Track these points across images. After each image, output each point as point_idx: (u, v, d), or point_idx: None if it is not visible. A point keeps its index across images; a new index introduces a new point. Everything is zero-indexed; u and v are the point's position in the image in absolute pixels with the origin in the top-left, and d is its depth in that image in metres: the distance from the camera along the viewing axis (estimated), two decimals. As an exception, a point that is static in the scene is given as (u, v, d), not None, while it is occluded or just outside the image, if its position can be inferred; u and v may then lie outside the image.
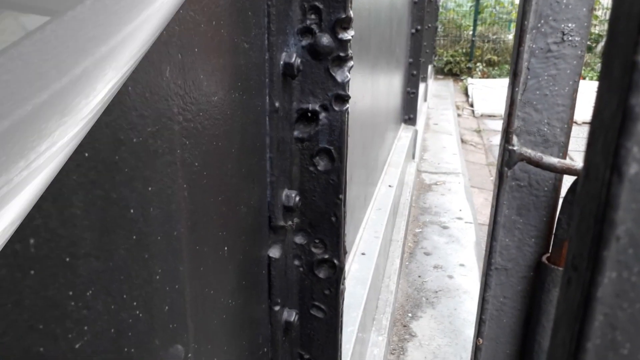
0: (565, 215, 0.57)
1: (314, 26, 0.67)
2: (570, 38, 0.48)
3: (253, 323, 0.72)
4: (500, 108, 7.24)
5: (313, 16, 0.67)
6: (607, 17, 11.45)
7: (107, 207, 0.36)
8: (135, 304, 0.40)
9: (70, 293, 0.33)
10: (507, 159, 0.52)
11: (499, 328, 0.82)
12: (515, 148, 0.50)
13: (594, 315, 0.21)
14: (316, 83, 0.70)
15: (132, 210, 0.39)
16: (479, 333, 0.90)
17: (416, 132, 4.02)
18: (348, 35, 0.67)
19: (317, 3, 0.66)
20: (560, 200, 0.62)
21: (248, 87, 0.60)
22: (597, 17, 11.06)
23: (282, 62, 0.67)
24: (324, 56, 0.68)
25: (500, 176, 0.56)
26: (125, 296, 0.39)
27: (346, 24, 0.67)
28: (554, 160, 0.51)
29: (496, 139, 6.02)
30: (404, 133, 3.70)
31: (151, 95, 0.40)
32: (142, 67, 0.39)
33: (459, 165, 4.67)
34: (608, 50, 0.18)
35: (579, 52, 0.49)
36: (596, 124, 0.19)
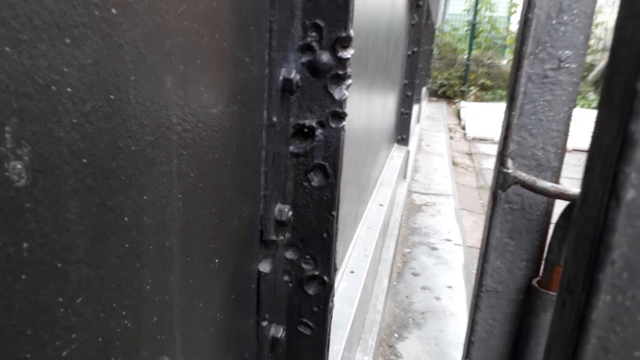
0: (556, 239, 0.58)
1: (314, 43, 0.68)
2: (566, 65, 0.49)
3: (240, 338, 0.71)
4: (492, 132, 7.32)
5: (314, 34, 0.67)
6: (600, 46, 11.67)
7: (102, 214, 0.36)
8: (124, 313, 0.40)
9: (60, 299, 0.33)
10: (502, 181, 0.53)
11: (488, 350, 0.82)
12: (509, 171, 0.51)
13: (588, 338, 0.21)
14: (314, 99, 0.70)
15: (126, 218, 0.39)
16: (467, 354, 0.90)
17: (408, 152, 4.04)
18: (348, 54, 0.68)
19: (318, 21, 0.67)
20: (552, 225, 0.62)
21: (247, 101, 0.61)
22: (590, 46, 11.27)
23: (281, 78, 0.67)
24: (323, 73, 0.69)
25: (494, 198, 0.56)
26: (114, 305, 0.38)
27: (346, 42, 0.68)
28: (547, 184, 0.51)
29: (487, 163, 6.08)
30: (397, 153, 3.72)
31: (152, 104, 0.41)
32: (144, 76, 0.39)
33: (450, 187, 4.69)
34: (609, 77, 0.19)
35: (575, 79, 0.50)
36: (595, 149, 0.19)
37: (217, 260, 0.58)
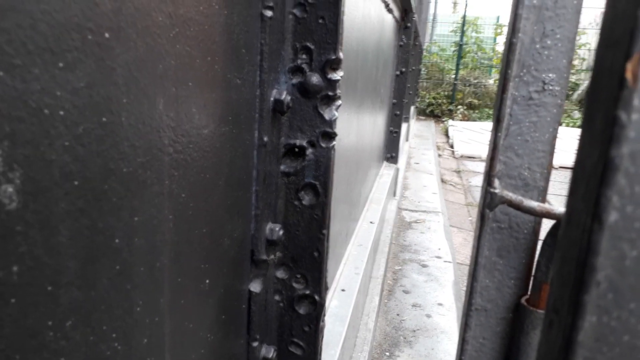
0: (544, 258, 0.59)
1: (304, 65, 0.69)
2: (550, 87, 0.50)
3: (231, 359, 0.71)
4: (480, 150, 7.40)
5: (304, 56, 0.68)
6: (584, 66, 11.91)
7: (93, 236, 0.36)
8: (114, 335, 0.39)
9: (50, 323, 0.32)
10: (489, 201, 0.53)
11: (479, 370, 0.82)
12: (496, 191, 0.51)
13: (575, 359, 0.22)
14: (304, 120, 0.71)
15: (117, 240, 0.39)
16: (458, 375, 0.89)
17: (398, 170, 4.06)
18: (337, 75, 0.69)
19: (308, 44, 0.68)
20: (540, 243, 0.63)
21: (238, 122, 0.61)
22: (574, 66, 11.50)
23: (272, 99, 0.68)
24: (313, 95, 0.69)
25: (482, 218, 0.57)
26: (104, 327, 0.38)
27: (336, 64, 0.69)
28: (534, 204, 0.52)
29: (475, 180, 6.12)
30: (386, 171, 3.74)
31: (144, 126, 0.41)
32: (137, 98, 0.40)
33: (439, 204, 4.71)
34: (590, 104, 0.19)
35: (559, 101, 0.51)
36: (578, 173, 0.20)
37: (207, 281, 0.58)
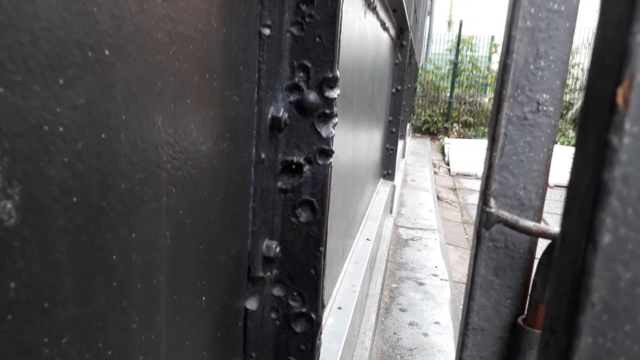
0: (540, 277, 0.59)
1: (302, 83, 0.69)
2: (544, 108, 0.51)
3: (225, 377, 0.70)
4: (475, 167, 7.43)
5: (301, 74, 0.69)
6: (577, 86, 12.05)
7: (90, 252, 0.36)
8: (110, 353, 0.39)
9: (46, 340, 0.32)
10: (485, 220, 0.54)
11: (475, 390, 0.81)
12: (492, 210, 0.52)
13: (571, 379, 0.22)
14: (302, 137, 0.71)
15: (114, 257, 0.39)
16: (454, 394, 0.88)
17: (394, 187, 4.07)
18: (334, 93, 0.70)
19: (305, 62, 0.69)
20: (536, 262, 0.63)
21: (236, 138, 0.62)
22: (568, 85, 11.63)
23: (270, 116, 0.69)
24: (310, 112, 0.70)
25: (478, 237, 0.57)
26: (100, 345, 0.38)
27: (333, 83, 0.69)
28: (529, 223, 0.53)
29: (471, 198, 6.14)
30: (383, 187, 3.74)
31: (142, 142, 0.41)
32: (136, 115, 0.40)
33: (435, 221, 4.71)
34: (582, 128, 0.20)
35: (553, 122, 0.52)
36: (571, 195, 0.20)
37: (204, 298, 0.58)
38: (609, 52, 0.20)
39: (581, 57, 12.31)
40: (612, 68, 0.19)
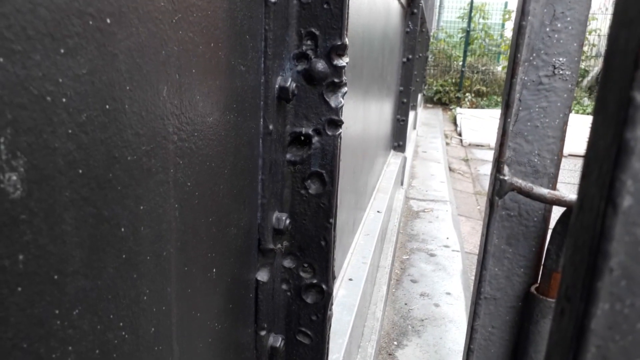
0: (554, 246, 0.58)
1: (309, 52, 0.68)
2: (561, 72, 0.49)
3: (238, 348, 0.71)
4: (488, 138, 7.34)
5: (309, 42, 0.68)
6: (594, 52, 11.76)
7: (98, 224, 0.36)
8: (121, 324, 0.40)
9: (57, 311, 0.32)
10: (498, 188, 0.53)
11: (487, 358, 0.82)
12: (506, 178, 0.51)
13: (587, 347, 0.21)
14: (310, 107, 0.70)
15: (122, 229, 0.39)
16: (466, 363, 0.89)
17: (405, 159, 4.05)
18: (343, 62, 0.68)
19: (313, 29, 0.67)
20: (550, 231, 0.62)
21: (243, 109, 0.61)
22: (584, 52, 11.35)
23: (277, 86, 0.67)
24: (318, 81, 0.69)
25: (491, 205, 0.56)
26: (111, 316, 0.38)
27: (341, 50, 0.68)
28: (544, 191, 0.51)
29: (483, 168, 6.09)
30: (393, 159, 3.72)
31: (147, 114, 0.41)
32: (140, 85, 0.39)
33: (447, 193, 4.69)
34: (603, 85, 0.19)
35: (569, 86, 0.50)
36: (591, 156, 0.19)
37: (214, 270, 0.58)
38: (632, 4, 0.19)
39: (598, 22, 11.98)
40: (637, 21, 0.18)
